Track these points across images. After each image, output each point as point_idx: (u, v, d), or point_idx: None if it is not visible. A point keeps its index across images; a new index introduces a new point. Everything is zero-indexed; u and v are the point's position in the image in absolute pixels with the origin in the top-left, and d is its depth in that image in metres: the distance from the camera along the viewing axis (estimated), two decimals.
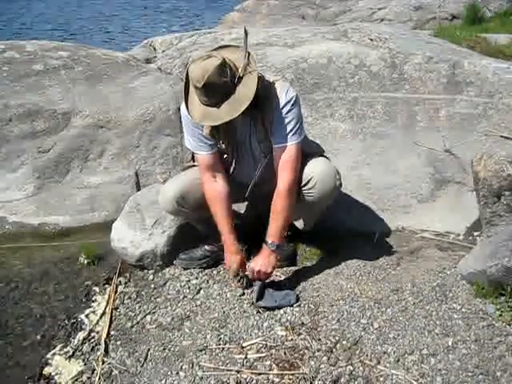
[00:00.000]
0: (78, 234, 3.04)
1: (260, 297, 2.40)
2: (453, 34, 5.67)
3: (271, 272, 2.45)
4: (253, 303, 2.42)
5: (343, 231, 2.92)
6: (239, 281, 2.52)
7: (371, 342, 2.19)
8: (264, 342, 2.22)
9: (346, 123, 3.45)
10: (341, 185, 2.49)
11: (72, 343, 2.31)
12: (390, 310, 2.36)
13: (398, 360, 2.09)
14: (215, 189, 2.46)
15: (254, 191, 2.52)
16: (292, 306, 2.42)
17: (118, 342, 2.31)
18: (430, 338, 2.19)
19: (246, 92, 2.18)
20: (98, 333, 2.37)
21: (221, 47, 2.35)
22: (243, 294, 2.50)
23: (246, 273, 2.48)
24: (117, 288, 2.63)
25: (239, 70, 2.19)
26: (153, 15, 16.92)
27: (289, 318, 2.35)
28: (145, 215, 2.80)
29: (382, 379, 2.01)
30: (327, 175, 2.42)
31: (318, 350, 2.16)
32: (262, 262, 2.40)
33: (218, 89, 2.15)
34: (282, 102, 2.30)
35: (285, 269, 2.69)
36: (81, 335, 2.35)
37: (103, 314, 2.47)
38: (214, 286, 2.60)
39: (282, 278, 2.63)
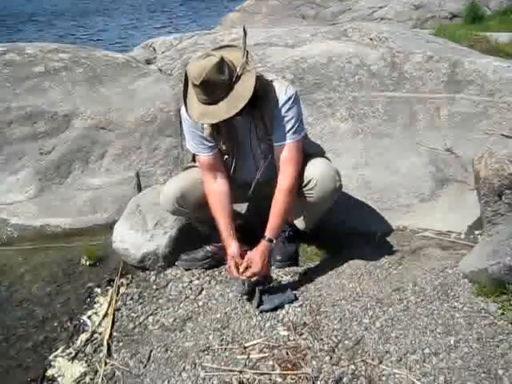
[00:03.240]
0: (79, 236, 3.04)
1: (260, 303, 2.40)
2: (453, 33, 5.68)
3: (265, 271, 2.44)
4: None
5: (344, 231, 2.92)
6: (238, 286, 2.50)
7: (373, 341, 2.19)
8: (266, 343, 2.22)
9: (347, 123, 3.45)
10: (341, 186, 2.48)
11: (74, 345, 2.32)
12: (392, 310, 2.36)
13: (401, 359, 2.09)
14: (216, 189, 2.47)
15: (256, 191, 2.52)
16: (292, 302, 2.42)
17: (121, 344, 2.31)
18: (432, 337, 2.19)
19: (243, 90, 2.19)
20: (100, 334, 2.37)
21: (220, 47, 2.36)
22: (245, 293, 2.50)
23: (247, 274, 2.45)
24: (119, 289, 2.63)
25: (237, 69, 2.19)
26: (152, 16, 16.94)
27: (291, 318, 2.35)
28: (146, 216, 2.81)
29: (384, 378, 2.01)
30: (328, 176, 2.42)
31: (321, 350, 2.16)
32: (261, 256, 2.37)
33: (215, 86, 2.15)
34: (282, 99, 2.31)
35: (286, 269, 2.69)
36: (83, 337, 2.36)
37: (105, 315, 2.47)
38: (216, 287, 2.60)
39: (284, 278, 2.63)
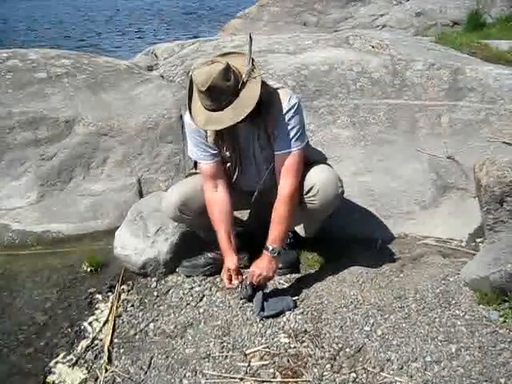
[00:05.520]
0: (80, 242, 3.04)
1: (261, 309, 2.40)
2: (454, 41, 5.68)
3: (272, 277, 2.45)
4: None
5: (346, 238, 2.92)
6: (241, 290, 2.50)
7: (374, 349, 2.18)
8: (267, 350, 2.22)
9: (348, 130, 3.46)
10: (343, 193, 2.49)
11: (75, 351, 2.31)
12: (393, 317, 2.35)
13: (402, 367, 2.09)
14: (216, 198, 2.47)
15: (257, 198, 2.52)
16: (291, 309, 2.42)
17: (122, 350, 2.31)
18: (434, 345, 2.18)
19: (249, 97, 2.19)
20: (101, 340, 2.36)
21: (225, 54, 2.37)
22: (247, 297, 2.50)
23: (248, 282, 2.46)
24: (120, 295, 2.63)
25: (243, 76, 2.19)
26: (155, 23, 17.00)
27: (292, 325, 2.35)
28: (147, 223, 2.80)
29: None
30: (329, 183, 2.42)
31: (322, 358, 2.16)
32: (263, 266, 2.39)
33: (221, 93, 2.15)
34: (285, 108, 2.31)
35: (287, 276, 2.69)
36: (84, 343, 2.35)
37: (106, 321, 2.47)
38: (216, 294, 2.60)
39: (285, 285, 2.62)
